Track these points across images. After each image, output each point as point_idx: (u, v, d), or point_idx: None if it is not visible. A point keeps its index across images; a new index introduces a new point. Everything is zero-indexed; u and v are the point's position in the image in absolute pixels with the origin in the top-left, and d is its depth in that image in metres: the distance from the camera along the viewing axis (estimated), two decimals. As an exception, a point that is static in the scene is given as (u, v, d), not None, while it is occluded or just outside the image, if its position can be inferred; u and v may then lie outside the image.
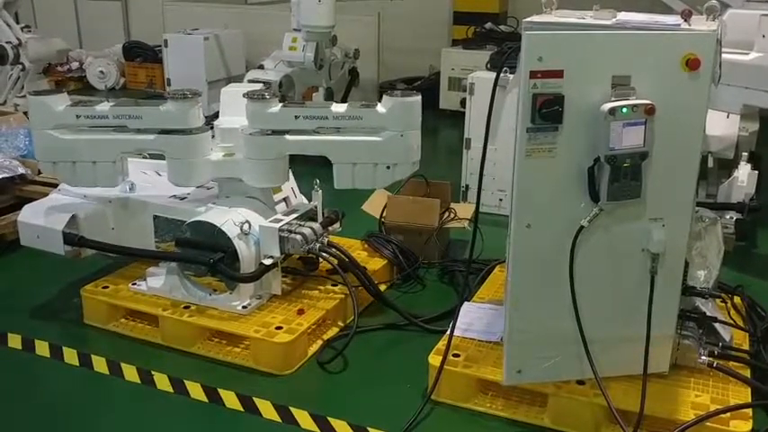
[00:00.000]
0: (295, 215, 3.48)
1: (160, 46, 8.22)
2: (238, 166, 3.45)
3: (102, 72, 9.49)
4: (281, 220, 3.40)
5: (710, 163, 4.75)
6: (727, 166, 4.75)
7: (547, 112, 2.37)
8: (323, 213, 3.65)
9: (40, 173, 4.61)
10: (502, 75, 2.98)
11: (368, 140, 3.29)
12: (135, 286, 3.61)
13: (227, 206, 3.48)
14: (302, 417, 2.90)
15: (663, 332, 2.67)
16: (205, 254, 3.31)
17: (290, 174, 3.66)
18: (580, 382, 2.78)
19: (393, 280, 4.02)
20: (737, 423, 2.60)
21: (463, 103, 5.59)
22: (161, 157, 3.60)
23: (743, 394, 2.75)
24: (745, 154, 4.59)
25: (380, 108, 3.28)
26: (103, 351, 3.36)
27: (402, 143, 3.29)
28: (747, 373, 2.87)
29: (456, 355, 2.98)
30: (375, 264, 3.94)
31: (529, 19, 2.73)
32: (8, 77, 7.49)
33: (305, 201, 3.77)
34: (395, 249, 4.04)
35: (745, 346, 3.07)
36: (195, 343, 3.37)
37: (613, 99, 2.35)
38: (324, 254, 3.46)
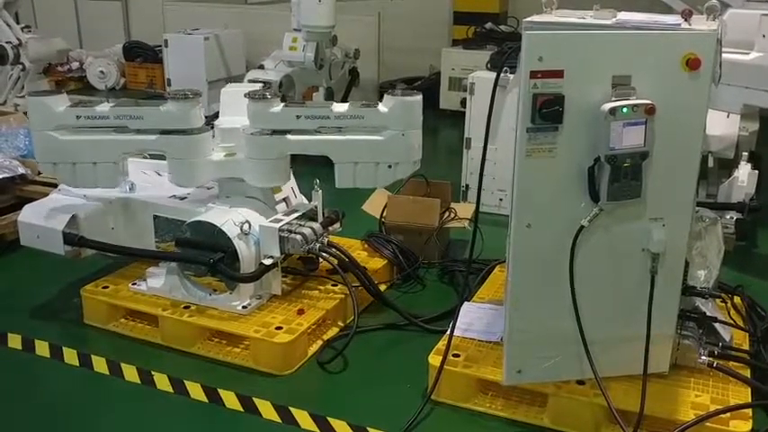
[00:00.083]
0: (295, 215, 3.48)
1: (160, 46, 8.21)
2: (240, 166, 3.45)
3: (102, 72, 9.49)
4: (281, 220, 3.40)
5: (711, 163, 4.74)
6: (727, 166, 4.74)
7: (547, 112, 2.37)
8: (323, 213, 3.65)
9: (39, 173, 4.61)
10: (502, 75, 2.98)
11: (370, 140, 3.29)
12: (135, 286, 3.61)
13: (227, 206, 3.48)
14: (302, 417, 2.90)
15: (663, 332, 2.67)
16: (205, 254, 3.31)
17: (291, 174, 3.66)
18: (580, 382, 2.78)
19: (393, 280, 4.02)
20: (737, 423, 2.60)
21: (463, 102, 5.59)
22: (161, 157, 3.60)
23: (743, 394, 2.75)
24: (746, 154, 4.59)
25: (382, 107, 3.28)
26: (103, 351, 3.36)
27: (403, 142, 3.29)
28: (747, 373, 2.87)
29: (456, 355, 2.98)
30: (375, 264, 3.94)
31: (529, 19, 2.73)
32: (8, 77, 7.48)
33: (305, 201, 3.77)
34: (395, 249, 4.03)
35: (746, 346, 3.07)
36: (195, 343, 3.37)
37: (614, 99, 2.35)
38: (324, 254, 3.46)
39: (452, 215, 4.38)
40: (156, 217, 3.69)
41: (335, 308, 3.53)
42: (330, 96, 6.45)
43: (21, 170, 4.67)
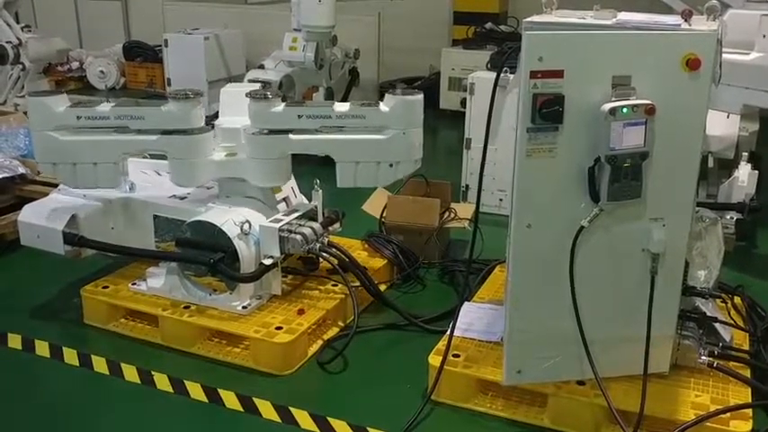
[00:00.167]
0: (295, 215, 3.48)
1: (160, 46, 8.21)
2: (241, 166, 3.45)
3: (102, 72, 9.49)
4: (282, 220, 3.40)
5: (711, 163, 4.74)
6: (727, 166, 4.74)
7: (547, 112, 2.37)
8: (323, 213, 3.65)
9: (39, 173, 4.60)
10: (502, 75, 2.98)
11: (371, 139, 3.30)
12: (135, 286, 3.61)
13: (227, 206, 3.48)
14: (302, 417, 2.90)
15: (663, 332, 2.67)
16: (205, 254, 3.31)
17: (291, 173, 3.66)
18: (580, 383, 2.78)
19: (393, 280, 4.02)
20: (737, 423, 2.60)
21: (463, 103, 5.59)
22: (160, 156, 3.59)
23: (743, 394, 2.75)
24: (746, 154, 4.59)
25: (383, 107, 3.28)
26: (103, 351, 3.36)
27: (405, 141, 3.30)
28: (747, 373, 2.87)
29: (456, 356, 2.98)
30: (375, 264, 3.94)
31: (529, 19, 2.73)
32: (8, 77, 7.48)
33: (305, 201, 3.77)
34: (395, 249, 4.03)
35: (746, 347, 3.07)
36: (195, 343, 3.37)
37: (614, 99, 2.35)
38: (324, 254, 3.46)
39: (452, 215, 4.38)
40: (156, 217, 3.69)
41: (335, 308, 3.53)
42: (330, 96, 6.45)
43: (21, 170, 4.67)
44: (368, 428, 2.83)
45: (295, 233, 3.35)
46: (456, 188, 5.00)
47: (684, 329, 2.83)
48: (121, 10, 10.62)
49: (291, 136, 3.33)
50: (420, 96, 3.32)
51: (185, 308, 3.43)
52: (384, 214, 4.29)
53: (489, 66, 5.70)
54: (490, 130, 2.80)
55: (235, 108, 3.53)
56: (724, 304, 3.30)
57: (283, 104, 3.33)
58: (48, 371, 3.27)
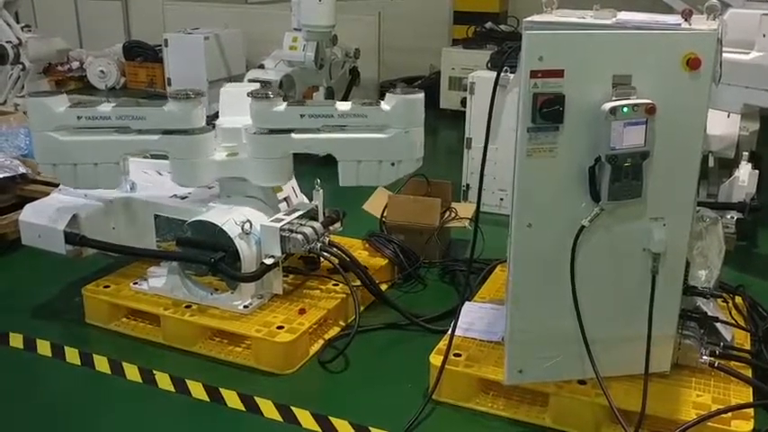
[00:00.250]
0: (296, 215, 3.48)
1: (160, 45, 8.21)
2: (242, 166, 3.45)
3: (102, 72, 9.48)
4: (283, 219, 3.40)
5: (711, 162, 4.74)
6: (727, 166, 4.75)
7: (547, 112, 2.37)
8: (324, 213, 3.66)
9: (40, 173, 4.60)
10: (502, 74, 2.97)
11: (374, 138, 3.30)
12: (136, 286, 3.61)
13: (228, 206, 3.48)
14: (304, 416, 2.90)
15: (664, 332, 2.67)
16: (206, 253, 3.31)
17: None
18: (581, 382, 2.78)
19: (394, 279, 4.02)
20: (739, 423, 2.60)
21: (464, 102, 5.59)
22: (161, 156, 3.59)
23: (744, 394, 2.75)
24: (746, 153, 4.59)
25: (385, 105, 3.29)
26: (105, 350, 3.36)
27: (407, 140, 3.31)
28: (749, 372, 2.87)
29: (457, 355, 2.98)
30: (376, 263, 3.94)
31: (529, 18, 2.73)
32: (8, 77, 7.47)
33: (306, 200, 3.77)
34: (396, 249, 4.04)
35: (747, 346, 3.07)
36: (196, 342, 3.37)
37: (614, 98, 2.35)
38: (325, 253, 3.47)
39: (453, 215, 4.39)
40: (157, 216, 3.69)
41: (337, 307, 3.54)
42: (330, 96, 6.45)
43: (21, 169, 4.67)
44: (369, 428, 2.84)
45: (296, 233, 3.35)
46: (457, 188, 5.00)
47: (685, 329, 2.83)
48: (121, 10, 10.62)
49: (293, 135, 3.34)
50: (421, 95, 3.33)
51: (187, 307, 3.43)
52: (385, 214, 4.29)
53: (489, 65, 5.70)
54: (490, 129, 2.80)
55: (234, 108, 3.53)
56: (725, 304, 3.31)
57: (285, 104, 3.34)
58: (49, 370, 3.28)
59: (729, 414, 2.62)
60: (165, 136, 3.35)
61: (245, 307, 3.39)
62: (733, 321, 3.17)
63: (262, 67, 6.43)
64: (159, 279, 3.56)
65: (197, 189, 3.71)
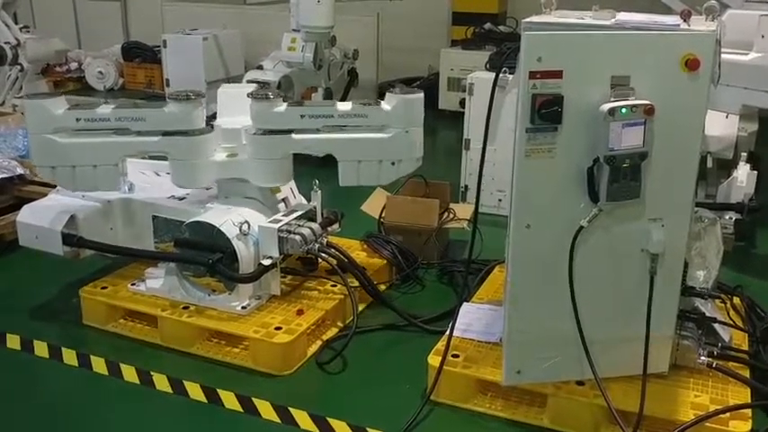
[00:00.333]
0: (294, 216, 3.47)
1: (159, 46, 8.21)
2: (242, 167, 3.45)
3: (100, 72, 9.48)
4: (281, 220, 3.40)
5: (710, 163, 4.74)
6: (726, 167, 4.75)
7: (546, 113, 2.37)
8: (322, 214, 3.65)
9: (38, 174, 4.60)
10: (501, 75, 2.97)
11: (374, 138, 3.31)
12: (134, 287, 3.61)
13: (226, 206, 3.48)
14: (301, 417, 2.90)
15: (662, 332, 2.67)
16: (204, 254, 3.31)
17: (291, 173, 3.66)
18: (579, 383, 2.78)
19: (392, 280, 4.01)
20: (737, 423, 2.60)
21: (462, 103, 5.59)
22: (159, 157, 3.59)
23: (742, 394, 2.75)
24: (745, 154, 4.59)
25: (385, 105, 3.29)
26: (102, 351, 3.36)
27: (406, 139, 3.31)
28: (747, 373, 2.87)
29: (455, 356, 2.98)
30: (374, 264, 3.94)
31: (528, 19, 2.73)
32: (6, 78, 7.47)
33: (304, 201, 3.77)
34: (394, 250, 4.03)
35: (745, 347, 3.07)
36: (194, 343, 3.37)
37: (613, 99, 2.35)
38: (323, 254, 3.47)
39: (451, 216, 4.38)
40: (154, 217, 3.69)
41: (335, 308, 3.53)
42: (329, 97, 6.45)
43: (19, 170, 4.67)
44: (367, 429, 2.83)
45: (294, 234, 3.34)
46: (455, 188, 5.00)
47: (684, 330, 2.83)
48: (120, 10, 10.62)
49: (294, 136, 3.34)
50: (421, 95, 3.34)
51: (184, 308, 3.43)
52: (383, 215, 4.29)
53: (488, 66, 5.70)
54: (489, 130, 2.80)
55: (232, 108, 3.53)
56: (723, 304, 3.30)
57: (285, 104, 3.33)
58: (47, 371, 3.27)
59: (727, 414, 2.62)
60: (166, 137, 3.34)
61: (242, 308, 3.38)
62: (731, 322, 3.17)
63: (260, 67, 6.42)
64: (157, 280, 3.56)
65: (195, 190, 3.70)
